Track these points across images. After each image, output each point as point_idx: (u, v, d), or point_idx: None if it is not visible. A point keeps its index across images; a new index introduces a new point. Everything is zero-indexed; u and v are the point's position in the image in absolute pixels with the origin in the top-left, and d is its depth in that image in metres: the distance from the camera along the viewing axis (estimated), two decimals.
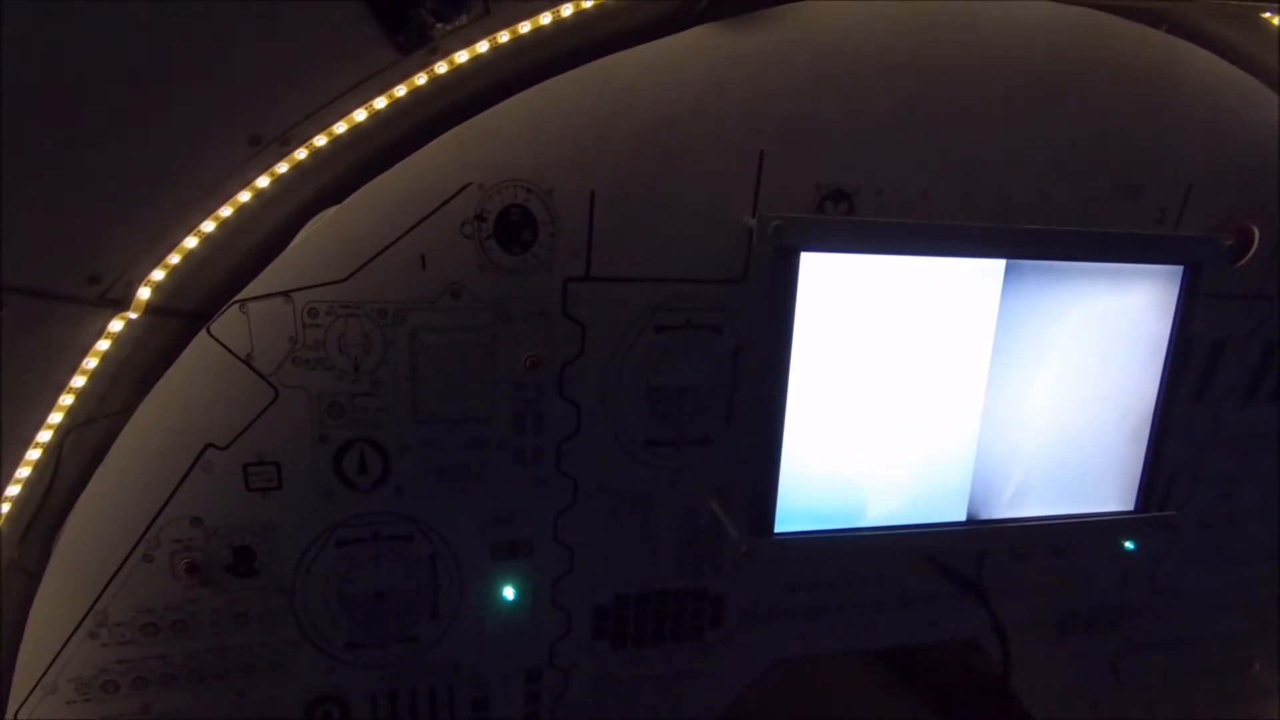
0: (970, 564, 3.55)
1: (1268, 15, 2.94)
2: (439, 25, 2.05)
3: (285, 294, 2.42)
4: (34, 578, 2.50)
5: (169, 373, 2.41)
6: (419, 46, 2.16)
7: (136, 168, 2.09)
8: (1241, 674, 4.49)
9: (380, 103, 2.33)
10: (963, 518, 3.08)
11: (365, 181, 2.39)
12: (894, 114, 2.69)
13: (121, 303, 2.30)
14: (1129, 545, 3.53)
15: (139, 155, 2.07)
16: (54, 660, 2.57)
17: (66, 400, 2.37)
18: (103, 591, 2.55)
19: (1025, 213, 2.92)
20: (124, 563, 2.54)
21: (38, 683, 2.58)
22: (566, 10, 2.38)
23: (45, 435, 2.38)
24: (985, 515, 3.10)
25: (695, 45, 2.47)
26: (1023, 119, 2.82)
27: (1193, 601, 4.08)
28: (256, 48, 2.02)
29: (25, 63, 1.76)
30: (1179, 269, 2.97)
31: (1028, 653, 3.83)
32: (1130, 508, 3.21)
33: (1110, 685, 4.17)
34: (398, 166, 2.39)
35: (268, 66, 2.07)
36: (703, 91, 2.51)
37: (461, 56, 2.34)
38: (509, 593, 2.99)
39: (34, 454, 2.39)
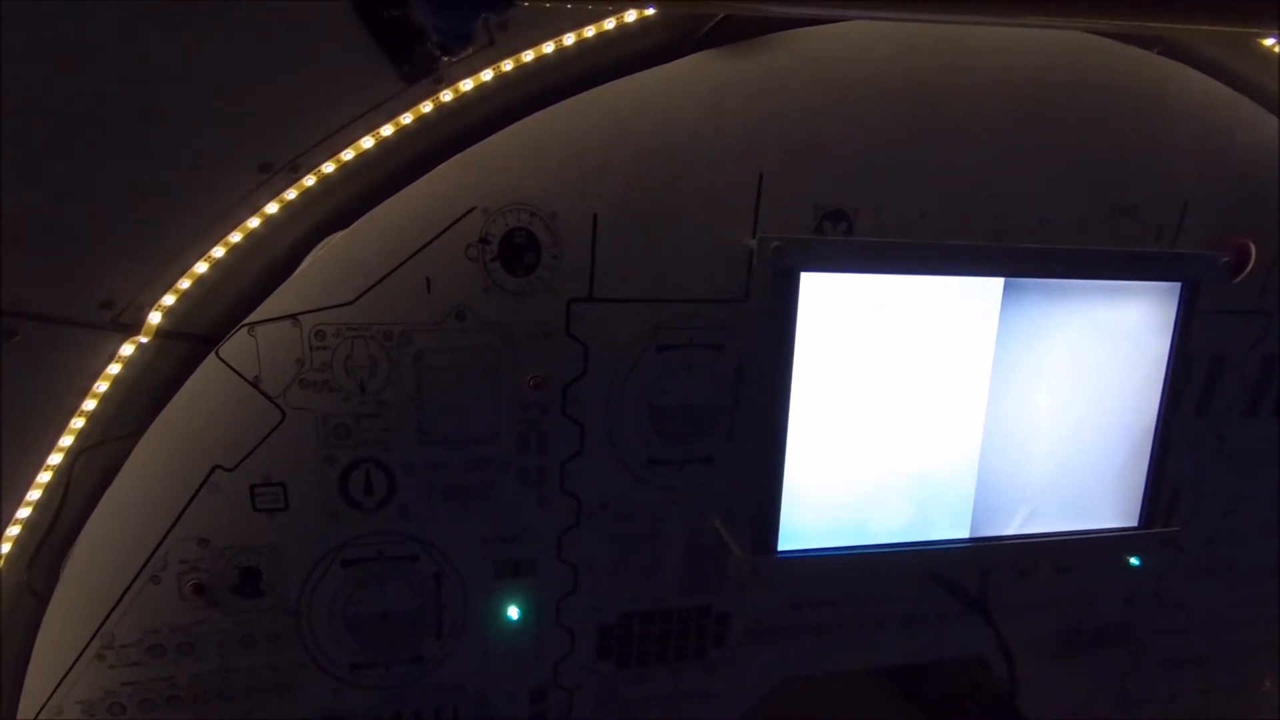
0: (974, 581, 3.55)
1: (1269, 42, 2.98)
2: (445, 58, 2.10)
3: (293, 317, 2.46)
4: (42, 600, 2.52)
5: (178, 395, 2.45)
6: (424, 76, 2.21)
7: (148, 195, 2.14)
8: (1252, 692, 4.45)
9: (387, 130, 2.38)
10: (966, 534, 3.08)
11: (372, 206, 2.43)
12: (891, 135, 2.74)
13: (132, 327, 2.34)
14: (1134, 561, 3.53)
15: (151, 183, 2.12)
16: (60, 682, 2.58)
17: (77, 423, 2.40)
18: (110, 613, 2.56)
19: (1023, 231, 2.95)
20: (131, 584, 2.55)
21: (44, 705, 2.59)
22: (569, 39, 2.43)
23: (55, 458, 2.41)
24: (988, 532, 3.10)
25: (695, 71, 2.52)
26: (1019, 139, 2.86)
27: (1200, 619, 4.06)
28: (267, 78, 2.07)
29: (38, 92, 1.81)
30: (1176, 286, 3.00)
31: (1035, 670, 3.81)
32: (1134, 524, 3.22)
33: (1118, 703, 4.14)
34: (403, 192, 2.43)
35: (278, 96, 2.12)
36: (702, 115, 2.56)
37: (466, 84, 2.39)
38: (513, 612, 3.00)
39: (44, 476, 2.42)
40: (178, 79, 1.97)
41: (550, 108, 2.45)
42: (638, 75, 2.49)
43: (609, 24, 2.45)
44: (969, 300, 2.86)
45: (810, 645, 3.44)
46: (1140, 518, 3.20)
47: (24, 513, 2.43)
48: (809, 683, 3.55)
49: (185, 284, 2.37)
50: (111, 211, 2.11)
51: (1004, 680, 3.77)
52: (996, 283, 2.86)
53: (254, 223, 2.37)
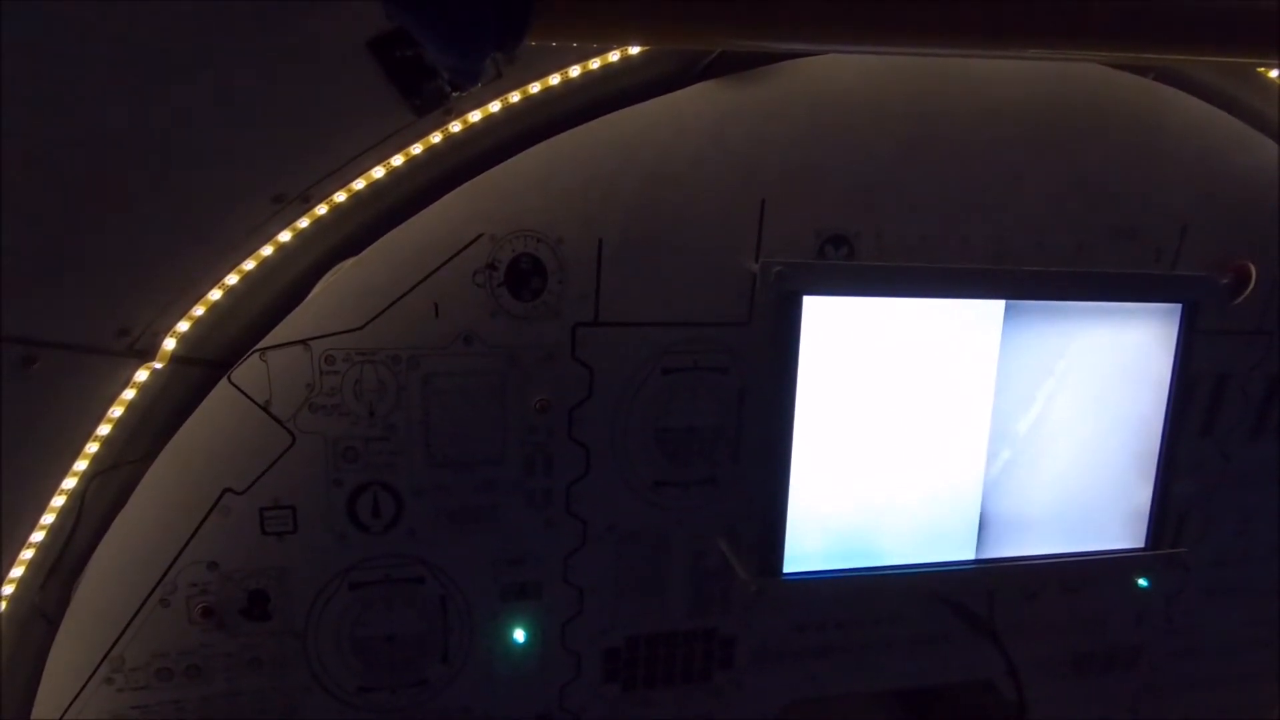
0: (981, 603, 3.53)
1: (1262, 69, 3.03)
2: (455, 94, 2.17)
3: (304, 342, 2.50)
4: (53, 623, 2.54)
5: (190, 419, 2.49)
6: (434, 108, 2.27)
7: (166, 226, 2.19)
8: (1266, 716, 4.39)
9: (397, 160, 2.44)
10: (971, 556, 3.08)
11: (382, 234, 2.49)
12: (891, 160, 2.78)
13: (148, 353, 2.38)
14: (1142, 582, 3.51)
15: (168, 214, 2.17)
16: (70, 705, 2.59)
17: (91, 448, 2.43)
18: (120, 636, 2.58)
19: (1023, 254, 2.98)
20: (141, 607, 2.57)
21: None
22: (574, 71, 2.49)
23: (69, 482, 2.44)
24: (994, 553, 3.10)
25: (697, 100, 2.58)
26: (1017, 163, 2.90)
27: (1212, 641, 4.01)
28: (281, 113, 2.13)
29: (59, 126, 1.86)
30: (1177, 307, 3.02)
31: (1044, 693, 3.77)
32: (1141, 545, 3.20)
33: None
34: (412, 219, 2.49)
35: (292, 130, 2.17)
36: (705, 143, 2.61)
37: (474, 115, 2.45)
38: (519, 635, 3.00)
39: (58, 500, 2.45)
40: (195, 113, 2.03)
41: (556, 137, 2.51)
42: (641, 105, 2.55)
43: (613, 56, 2.51)
44: (971, 323, 2.88)
45: (817, 668, 3.42)
46: (1147, 539, 3.19)
47: (37, 536, 2.46)
48: (816, 706, 3.52)
49: (199, 311, 2.42)
50: (129, 241, 2.16)
51: (1013, 704, 3.73)
52: (998, 305, 2.89)
53: (267, 251, 2.43)
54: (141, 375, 2.41)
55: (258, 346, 2.48)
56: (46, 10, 1.55)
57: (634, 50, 2.51)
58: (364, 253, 2.49)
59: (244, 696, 2.77)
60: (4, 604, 2.46)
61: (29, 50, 1.60)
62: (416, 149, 2.44)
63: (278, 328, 2.48)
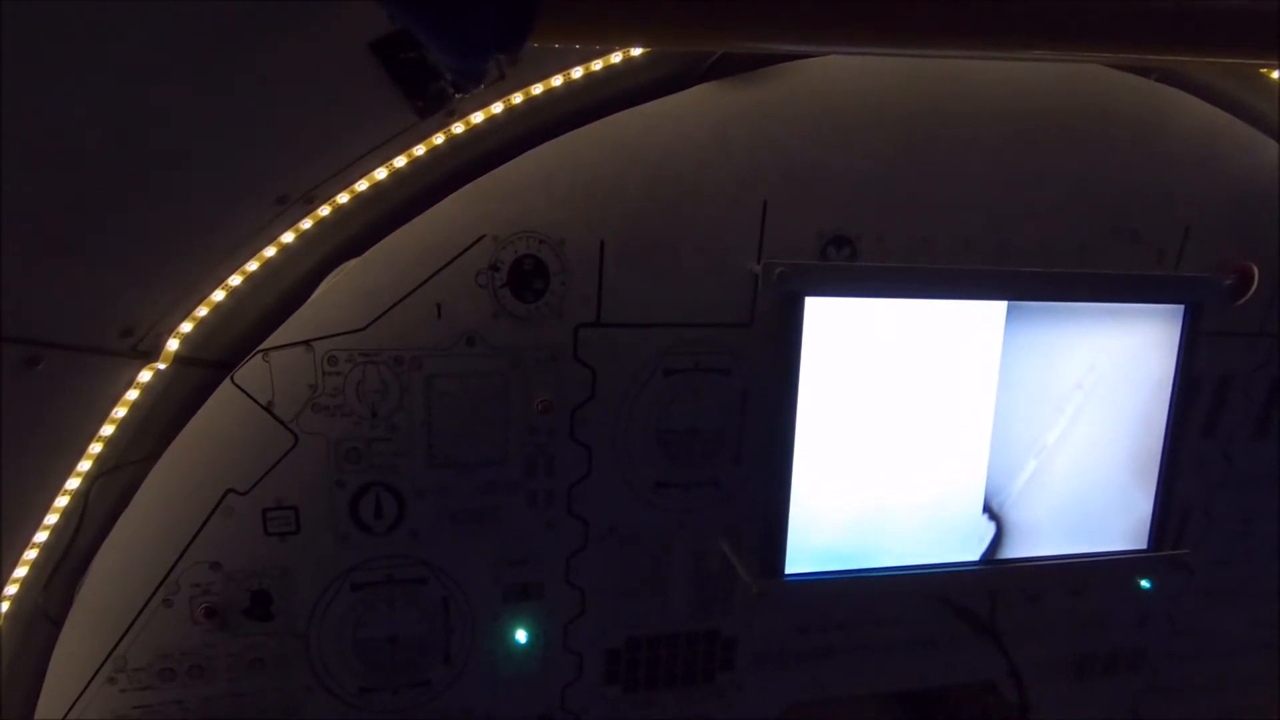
0: (984, 605, 3.52)
1: (1264, 70, 3.03)
2: (457, 95, 2.17)
3: (306, 343, 2.50)
4: (56, 623, 2.55)
5: (193, 420, 2.49)
6: (437, 110, 2.27)
7: (169, 227, 2.19)
8: (1267, 718, 4.37)
9: (400, 161, 2.45)
10: (975, 558, 3.07)
11: (385, 235, 2.49)
12: (893, 162, 2.78)
13: (151, 354, 2.38)
14: (1145, 584, 3.51)
15: (172, 215, 2.17)
16: (73, 705, 2.60)
17: (94, 448, 2.44)
18: (123, 636, 2.58)
19: (1025, 255, 2.98)
20: (144, 607, 2.58)
21: None
22: (577, 72, 2.50)
23: (73, 483, 2.44)
24: (997, 555, 3.09)
25: (699, 101, 2.58)
26: (1019, 165, 2.90)
27: (1214, 643, 4.01)
28: (284, 114, 2.13)
29: (64, 127, 1.87)
30: (1180, 308, 3.01)
31: (1046, 695, 3.76)
32: (1143, 546, 3.20)
33: None
34: (416, 220, 2.49)
35: (295, 132, 2.18)
36: (707, 145, 2.62)
37: (477, 117, 2.45)
38: (521, 636, 3.00)
39: (61, 501, 2.45)
40: (197, 114, 2.03)
41: (558, 138, 2.51)
42: (644, 106, 2.55)
43: (615, 58, 2.51)
44: (973, 324, 2.88)
45: (818, 670, 3.42)
46: (1150, 540, 3.19)
47: (40, 536, 2.46)
48: (818, 707, 3.52)
49: (202, 311, 2.42)
50: (133, 242, 2.16)
51: (1015, 705, 3.72)
52: (1000, 306, 2.89)
53: (270, 251, 2.43)
54: (145, 376, 2.41)
55: (260, 347, 2.48)
56: (49, 10, 1.55)
57: (636, 52, 2.52)
58: (367, 254, 2.49)
59: (246, 697, 2.77)
60: (7, 604, 2.46)
61: (31, 50, 1.60)
62: (419, 150, 2.44)
63: (280, 328, 2.49)
